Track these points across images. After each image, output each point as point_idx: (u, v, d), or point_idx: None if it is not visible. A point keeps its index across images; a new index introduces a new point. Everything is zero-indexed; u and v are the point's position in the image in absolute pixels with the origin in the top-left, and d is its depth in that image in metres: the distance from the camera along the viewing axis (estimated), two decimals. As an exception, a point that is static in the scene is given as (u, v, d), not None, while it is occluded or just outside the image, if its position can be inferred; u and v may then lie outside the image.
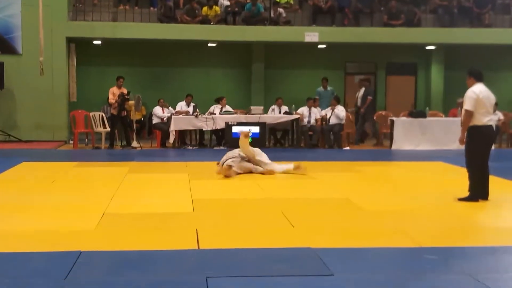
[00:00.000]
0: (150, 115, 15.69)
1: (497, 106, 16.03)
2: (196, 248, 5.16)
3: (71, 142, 15.13)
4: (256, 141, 14.14)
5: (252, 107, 15.19)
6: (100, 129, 14.68)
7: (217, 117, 14.47)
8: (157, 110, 15.02)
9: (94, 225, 6.02)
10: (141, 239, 5.49)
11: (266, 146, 14.62)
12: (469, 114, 7.40)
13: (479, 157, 7.46)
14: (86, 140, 15.26)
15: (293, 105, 15.30)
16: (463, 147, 7.64)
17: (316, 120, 15.00)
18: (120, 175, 9.52)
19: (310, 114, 15.01)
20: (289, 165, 10.04)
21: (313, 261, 4.72)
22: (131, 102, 14.43)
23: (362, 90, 16.15)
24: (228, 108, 15.22)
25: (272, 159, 10.64)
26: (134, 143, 14.44)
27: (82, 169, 10.49)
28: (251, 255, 4.92)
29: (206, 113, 14.71)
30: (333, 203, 7.38)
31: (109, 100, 14.49)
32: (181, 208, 6.98)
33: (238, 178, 9.42)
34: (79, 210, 6.81)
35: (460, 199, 7.50)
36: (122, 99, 14.11)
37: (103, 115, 14.87)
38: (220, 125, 14.37)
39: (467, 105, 7.41)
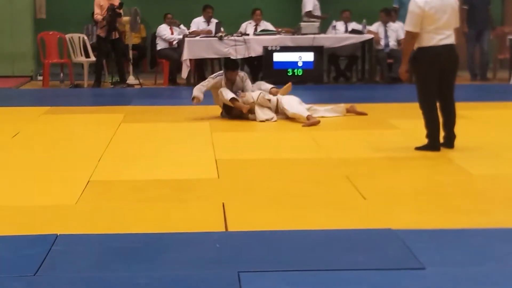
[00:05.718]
0: (153, 38, 15.69)
1: None
2: (223, 230, 5.21)
3: (40, 78, 15.25)
4: (310, 74, 14.06)
5: (302, 24, 15.05)
6: (81, 58, 14.75)
7: (251, 39, 14.40)
8: (163, 30, 15.01)
9: (75, 198, 6.08)
10: (142, 217, 5.55)
11: (324, 81, 14.55)
12: (411, 36, 7.64)
13: (428, 90, 7.71)
14: (62, 74, 15.36)
15: (364, 20, 15.09)
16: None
17: (398, 42, 14.80)
18: (111, 126, 9.59)
19: (387, 34, 14.80)
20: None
21: (396, 249, 4.72)
22: (126, 19, 14.42)
23: None
24: (267, 25, 15.11)
25: (331, 99, 10.60)
26: (131, 79, 14.51)
27: (56, 117, 10.60)
28: (303, 240, 4.94)
29: (235, 34, 14.64)
30: (423, 164, 7.35)
31: (94, 17, 14.49)
32: (200, 173, 7.02)
33: (281, 130, 9.42)
34: (54, 177, 6.90)
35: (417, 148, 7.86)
36: (112, 14, 14.09)
37: (86, 38, 14.91)
38: (256, 51, 14.30)
39: (407, 23, 7.66)
